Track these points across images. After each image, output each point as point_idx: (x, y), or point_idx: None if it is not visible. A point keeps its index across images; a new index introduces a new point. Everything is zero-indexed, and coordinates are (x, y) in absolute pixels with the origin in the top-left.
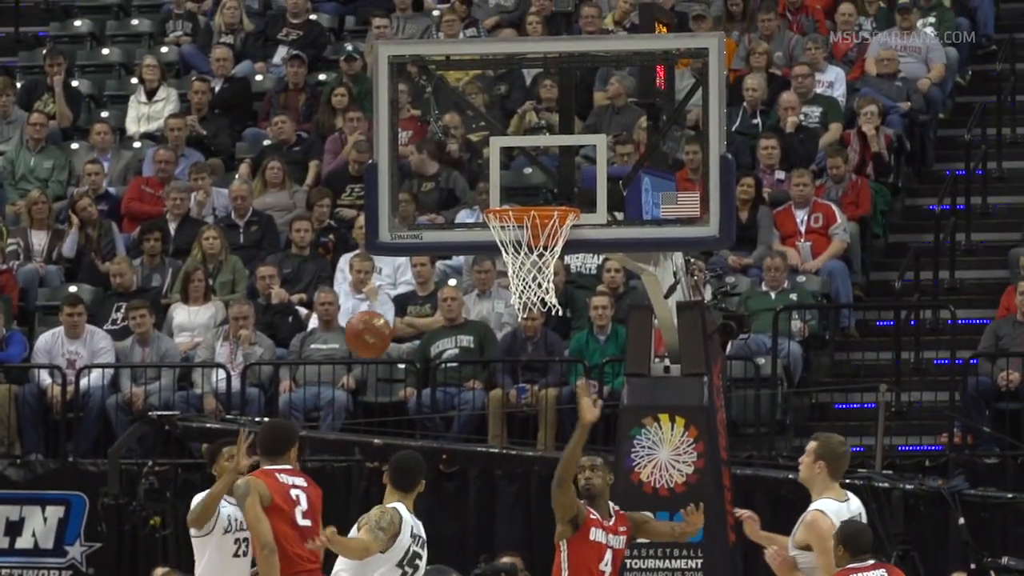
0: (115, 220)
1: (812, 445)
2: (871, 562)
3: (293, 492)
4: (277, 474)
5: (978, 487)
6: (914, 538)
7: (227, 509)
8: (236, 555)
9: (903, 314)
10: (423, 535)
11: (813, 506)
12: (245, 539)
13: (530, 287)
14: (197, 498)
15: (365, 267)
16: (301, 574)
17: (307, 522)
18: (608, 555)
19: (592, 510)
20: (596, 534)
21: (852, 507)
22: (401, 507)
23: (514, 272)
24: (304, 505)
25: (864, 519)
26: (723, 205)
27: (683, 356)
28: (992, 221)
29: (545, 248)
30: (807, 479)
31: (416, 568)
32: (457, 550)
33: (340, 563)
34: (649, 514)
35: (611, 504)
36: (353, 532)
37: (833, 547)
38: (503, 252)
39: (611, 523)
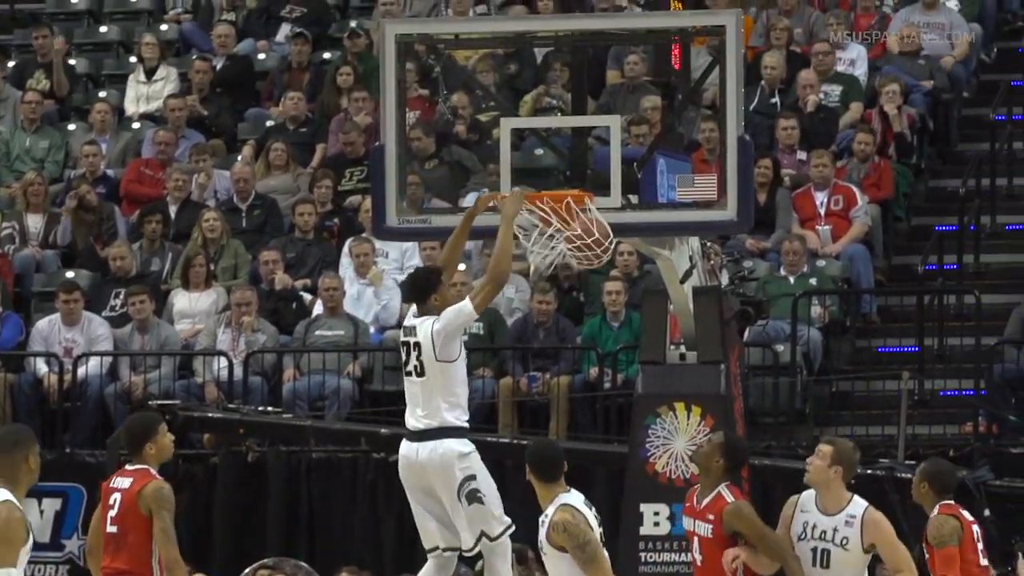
0: (114, 203)
1: (827, 449)
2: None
3: (112, 497)
4: (116, 477)
5: (1003, 477)
6: None
7: None
8: None
9: (926, 299)
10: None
11: (862, 505)
12: None
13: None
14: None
15: (364, 250)
16: None
17: (113, 528)
18: (696, 541)
19: (691, 496)
20: (685, 522)
21: None
22: (571, 498)
23: (529, 249)
24: (115, 510)
25: None
26: (741, 187)
27: (699, 343)
28: (1018, 203)
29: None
30: (820, 483)
31: None
32: None
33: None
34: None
35: (723, 486)
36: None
37: (916, 482)
38: (518, 235)
39: (701, 508)
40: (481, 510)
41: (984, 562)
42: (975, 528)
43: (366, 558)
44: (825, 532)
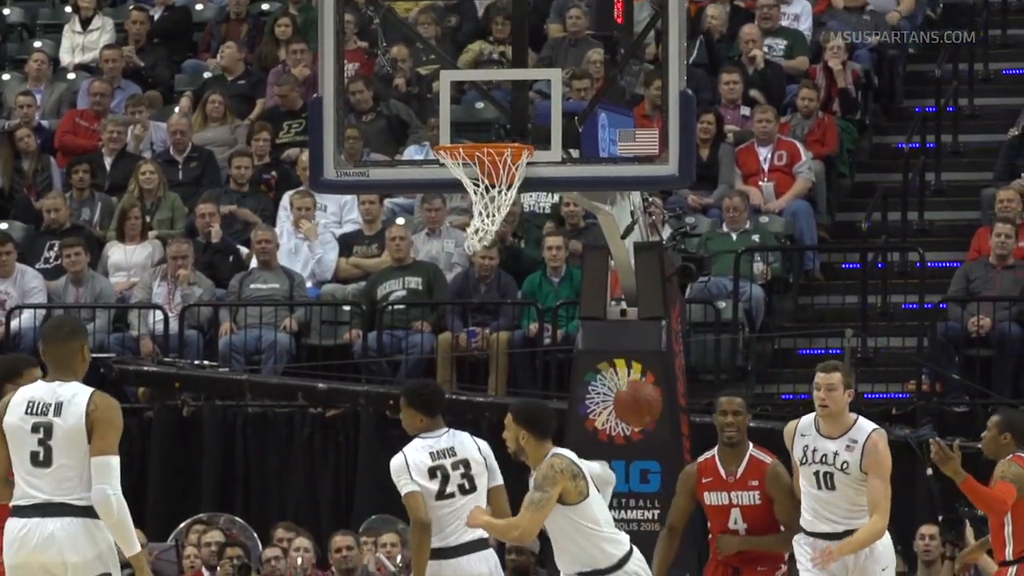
0: (49, 154)
1: (836, 378)
2: None
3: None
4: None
5: (946, 437)
6: None
7: None
8: None
9: (869, 256)
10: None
11: (866, 430)
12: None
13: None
14: None
15: (305, 203)
16: None
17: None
18: (736, 513)
19: (709, 470)
20: (712, 498)
21: None
22: (561, 450)
23: (480, 210)
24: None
25: None
26: (683, 142)
27: (640, 299)
28: (963, 160)
29: (496, 186)
30: (840, 412)
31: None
32: None
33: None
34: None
35: (752, 448)
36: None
37: (995, 435)
38: (470, 191)
39: (739, 477)
40: None
41: None
42: None
43: (302, 514)
44: (826, 456)
